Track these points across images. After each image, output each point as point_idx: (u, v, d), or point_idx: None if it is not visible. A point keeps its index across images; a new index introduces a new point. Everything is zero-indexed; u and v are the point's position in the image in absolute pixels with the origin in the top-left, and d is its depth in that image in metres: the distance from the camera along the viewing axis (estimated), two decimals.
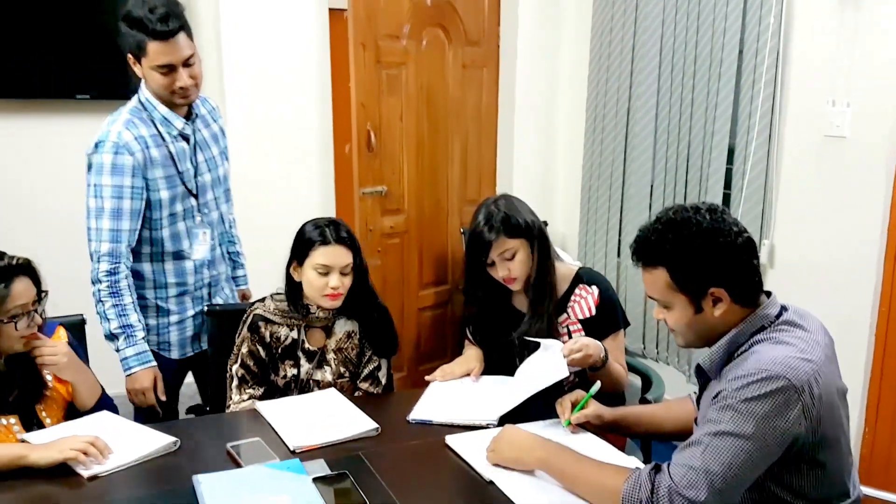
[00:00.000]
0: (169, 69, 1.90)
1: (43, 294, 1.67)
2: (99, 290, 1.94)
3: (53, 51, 2.92)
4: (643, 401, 2.11)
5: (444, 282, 3.65)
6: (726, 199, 2.88)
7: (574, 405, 1.71)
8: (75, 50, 2.96)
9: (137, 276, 2.03)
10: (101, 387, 1.83)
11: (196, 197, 2.08)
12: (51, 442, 1.54)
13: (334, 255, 1.89)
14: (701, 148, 2.98)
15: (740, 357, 1.37)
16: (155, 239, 2.03)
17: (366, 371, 2.03)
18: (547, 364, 1.78)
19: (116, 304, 1.94)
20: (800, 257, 2.68)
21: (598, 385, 1.72)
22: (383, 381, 2.04)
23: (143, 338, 1.98)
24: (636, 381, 2.27)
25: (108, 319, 1.94)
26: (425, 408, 1.84)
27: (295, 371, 1.98)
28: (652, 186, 3.22)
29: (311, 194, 3.45)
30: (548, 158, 3.83)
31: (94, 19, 2.97)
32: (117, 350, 1.97)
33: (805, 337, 1.35)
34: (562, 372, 1.74)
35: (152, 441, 1.63)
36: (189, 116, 2.05)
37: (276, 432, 1.71)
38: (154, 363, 2.00)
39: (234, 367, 1.96)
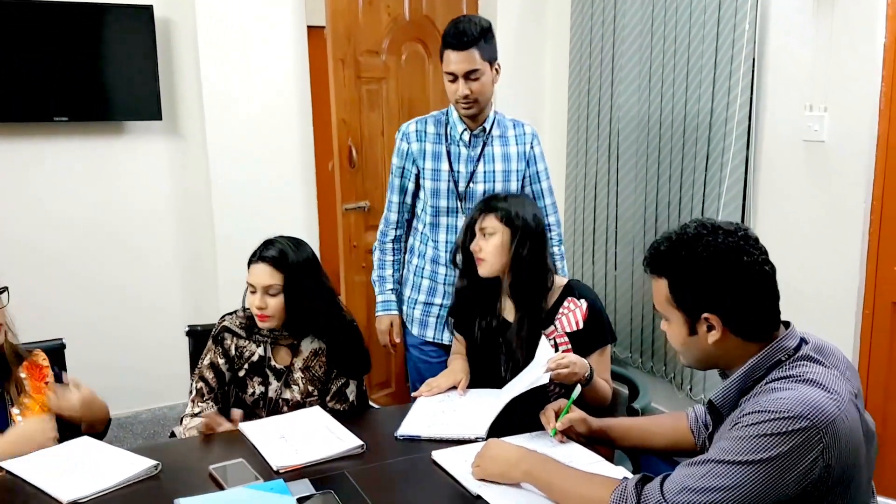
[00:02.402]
0: (453, 78, 2.14)
1: None
2: (375, 247, 2.35)
3: (31, 74, 2.91)
4: (630, 410, 2.10)
5: None
6: (706, 204, 2.89)
7: (557, 414, 1.70)
8: (52, 73, 2.95)
9: (410, 249, 2.38)
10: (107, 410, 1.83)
11: (462, 200, 2.26)
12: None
13: (256, 274, 1.88)
14: (681, 157, 2.99)
15: (760, 392, 1.29)
16: (423, 222, 2.33)
17: (333, 388, 1.99)
18: (532, 370, 1.78)
19: (377, 259, 2.36)
20: (781, 262, 2.68)
21: (578, 389, 1.70)
22: (351, 397, 2.00)
23: (391, 289, 2.36)
24: (623, 390, 2.26)
25: (373, 270, 2.35)
26: (412, 423, 1.82)
27: (263, 389, 1.95)
28: (635, 196, 3.24)
29: (295, 211, 3.44)
30: None
31: (72, 43, 2.96)
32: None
33: (828, 374, 1.26)
34: (543, 378, 1.73)
35: (133, 465, 1.60)
36: (481, 127, 2.26)
37: (259, 453, 1.68)
38: (395, 312, 2.36)
39: (193, 383, 1.93)
